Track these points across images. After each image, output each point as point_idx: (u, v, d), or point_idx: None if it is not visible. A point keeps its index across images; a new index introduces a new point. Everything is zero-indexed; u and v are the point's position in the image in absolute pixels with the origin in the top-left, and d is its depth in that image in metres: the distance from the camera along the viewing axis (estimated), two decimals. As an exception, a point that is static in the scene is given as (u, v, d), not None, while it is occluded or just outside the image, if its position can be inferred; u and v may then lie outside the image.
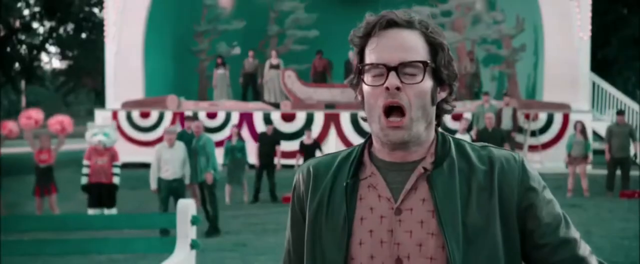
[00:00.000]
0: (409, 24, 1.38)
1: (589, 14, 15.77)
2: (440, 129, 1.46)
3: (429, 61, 1.37)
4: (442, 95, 1.42)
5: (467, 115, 14.95)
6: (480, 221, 1.35)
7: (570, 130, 14.62)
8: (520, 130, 15.04)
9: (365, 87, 1.39)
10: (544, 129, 15.15)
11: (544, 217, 1.39)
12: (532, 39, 17.03)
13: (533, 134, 15.07)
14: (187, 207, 5.03)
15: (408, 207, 1.37)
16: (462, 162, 1.40)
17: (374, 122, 1.38)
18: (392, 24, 1.37)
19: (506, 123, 14.18)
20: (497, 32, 18.16)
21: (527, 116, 15.02)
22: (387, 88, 1.34)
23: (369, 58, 1.38)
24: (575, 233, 1.43)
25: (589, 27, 15.77)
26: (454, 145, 1.43)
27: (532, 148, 15.05)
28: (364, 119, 1.43)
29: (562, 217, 1.42)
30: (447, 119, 14.78)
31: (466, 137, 12.37)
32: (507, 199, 1.37)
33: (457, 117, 14.66)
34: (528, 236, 1.39)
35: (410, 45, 1.36)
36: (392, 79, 1.34)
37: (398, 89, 1.34)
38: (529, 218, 1.39)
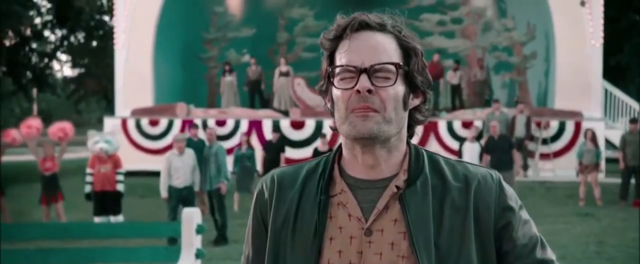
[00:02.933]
0: (381, 27, 1.32)
1: (601, 21, 15.63)
2: (416, 144, 1.40)
3: (401, 64, 1.31)
4: (415, 102, 1.36)
5: (478, 123, 14.82)
6: (453, 242, 1.30)
7: (582, 138, 14.46)
8: (531, 138, 14.89)
9: (335, 91, 1.33)
10: (555, 137, 14.98)
11: (520, 238, 1.35)
12: (543, 46, 16.90)
13: (544, 142, 14.91)
14: (192, 216, 4.97)
15: (379, 228, 1.30)
16: (436, 179, 1.34)
17: (343, 123, 1.31)
18: (364, 26, 1.32)
19: (520, 131, 14.03)
20: (508, 39, 18.05)
21: (538, 124, 14.87)
22: (358, 91, 1.28)
23: (340, 61, 1.32)
24: (551, 255, 1.39)
25: (601, 34, 15.62)
26: (427, 160, 1.37)
27: (544, 156, 14.90)
28: (334, 129, 1.36)
29: (538, 238, 1.38)
30: (457, 126, 14.66)
31: (475, 146, 12.16)
32: (483, 218, 1.32)
33: (468, 125, 14.54)
34: (503, 256, 1.35)
35: (383, 47, 1.31)
36: (364, 82, 1.28)
37: (369, 91, 1.28)
38: (505, 239, 1.34)
